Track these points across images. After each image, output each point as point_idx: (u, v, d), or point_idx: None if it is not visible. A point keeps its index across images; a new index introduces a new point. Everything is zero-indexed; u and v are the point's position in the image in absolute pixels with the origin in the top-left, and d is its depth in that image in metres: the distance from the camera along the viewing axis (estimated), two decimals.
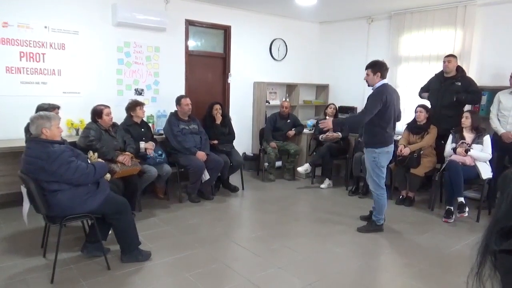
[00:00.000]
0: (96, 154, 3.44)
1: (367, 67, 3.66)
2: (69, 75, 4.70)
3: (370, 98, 3.59)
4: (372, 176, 3.74)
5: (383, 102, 3.50)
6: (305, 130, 6.14)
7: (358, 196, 5.09)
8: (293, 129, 5.96)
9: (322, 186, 5.54)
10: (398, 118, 3.85)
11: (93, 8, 4.78)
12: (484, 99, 4.78)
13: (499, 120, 4.43)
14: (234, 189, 5.17)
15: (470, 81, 4.69)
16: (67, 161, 2.72)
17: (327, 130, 5.17)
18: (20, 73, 4.38)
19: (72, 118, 4.67)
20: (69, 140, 3.58)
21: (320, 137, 5.69)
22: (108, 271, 2.92)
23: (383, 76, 3.61)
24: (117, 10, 4.79)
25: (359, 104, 6.28)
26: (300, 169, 5.47)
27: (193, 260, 3.17)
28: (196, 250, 3.36)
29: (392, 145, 3.75)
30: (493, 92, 4.60)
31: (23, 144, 3.30)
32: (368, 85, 3.72)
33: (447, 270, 3.11)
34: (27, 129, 3.39)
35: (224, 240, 3.66)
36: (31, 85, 4.46)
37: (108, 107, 4.04)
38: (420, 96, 5.04)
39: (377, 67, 3.60)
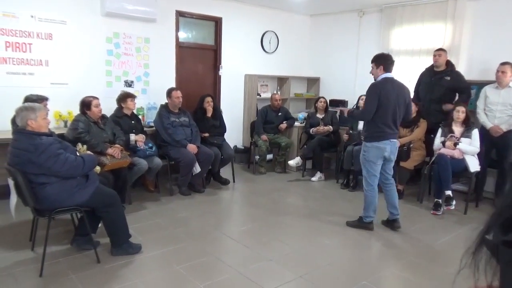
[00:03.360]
0: (85, 146, 3.39)
1: (372, 61, 3.62)
2: (56, 66, 4.61)
3: (365, 96, 3.61)
4: (362, 170, 3.77)
5: (378, 96, 3.46)
6: (296, 123, 6.15)
7: (349, 189, 5.12)
8: (284, 122, 5.97)
9: (313, 179, 5.57)
10: (402, 115, 3.61)
11: None
12: (472, 93, 4.83)
13: (486, 114, 4.49)
14: (225, 182, 5.16)
15: (459, 76, 4.73)
16: (55, 154, 2.68)
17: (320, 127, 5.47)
18: (6, 63, 4.28)
19: (60, 109, 4.59)
20: (57, 132, 3.52)
21: (311, 130, 5.71)
22: (98, 264, 2.90)
23: (387, 69, 3.52)
24: (106, 0, 4.70)
25: (350, 97, 6.31)
26: (291, 162, 5.49)
27: (183, 253, 3.16)
28: (187, 243, 3.36)
29: (386, 142, 3.56)
30: (481, 86, 4.64)
31: (10, 136, 3.23)
32: (374, 79, 3.66)
33: (435, 262, 3.16)
34: (13, 121, 3.32)
35: (215, 233, 3.65)
36: (18, 76, 4.37)
37: (97, 98, 3.98)
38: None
39: (379, 60, 3.55)
